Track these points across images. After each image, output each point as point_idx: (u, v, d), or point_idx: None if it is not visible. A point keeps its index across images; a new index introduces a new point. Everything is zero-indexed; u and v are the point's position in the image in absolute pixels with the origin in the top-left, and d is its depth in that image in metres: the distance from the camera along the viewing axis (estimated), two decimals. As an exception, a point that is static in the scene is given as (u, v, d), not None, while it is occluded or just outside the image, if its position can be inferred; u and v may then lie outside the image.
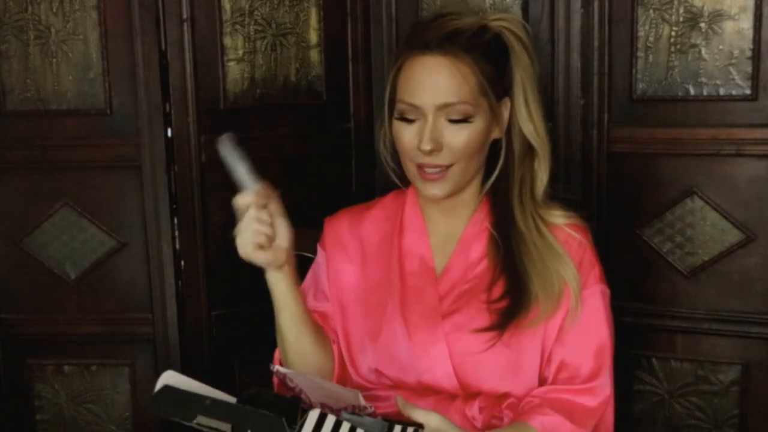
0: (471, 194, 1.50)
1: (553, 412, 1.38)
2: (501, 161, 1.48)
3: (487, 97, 1.41)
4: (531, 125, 1.45)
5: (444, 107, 1.39)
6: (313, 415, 1.24)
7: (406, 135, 1.43)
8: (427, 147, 1.39)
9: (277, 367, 1.33)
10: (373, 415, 1.31)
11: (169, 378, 1.27)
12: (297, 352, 1.47)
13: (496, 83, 1.42)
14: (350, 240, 1.57)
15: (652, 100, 1.80)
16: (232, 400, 1.27)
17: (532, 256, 1.43)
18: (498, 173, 1.48)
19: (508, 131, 1.47)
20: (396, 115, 1.44)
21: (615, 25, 1.80)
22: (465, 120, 1.40)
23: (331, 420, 1.24)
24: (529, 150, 1.47)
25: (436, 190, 1.44)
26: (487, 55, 1.41)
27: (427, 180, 1.44)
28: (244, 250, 1.38)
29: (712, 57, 1.74)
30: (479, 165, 1.47)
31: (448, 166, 1.42)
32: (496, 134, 1.47)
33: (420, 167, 1.43)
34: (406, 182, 1.53)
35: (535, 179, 1.47)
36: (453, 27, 1.41)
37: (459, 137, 1.40)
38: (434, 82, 1.39)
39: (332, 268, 1.56)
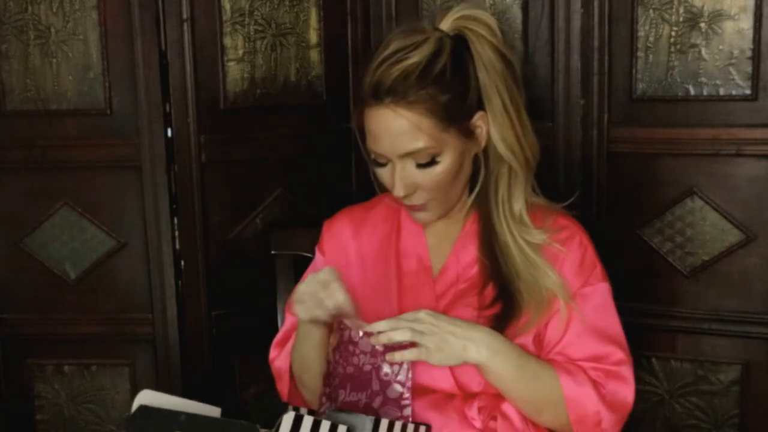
0: (463, 203, 1.49)
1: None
2: (482, 175, 1.44)
3: (450, 130, 1.36)
4: (499, 137, 1.38)
5: (408, 155, 1.37)
6: (287, 418, 1.24)
7: (383, 176, 1.43)
8: (400, 193, 1.39)
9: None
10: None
11: (145, 397, 1.27)
12: (316, 375, 1.47)
13: (458, 110, 1.36)
14: (350, 242, 1.56)
15: (652, 100, 1.80)
16: (215, 411, 1.27)
17: (518, 267, 1.42)
18: (480, 187, 1.45)
19: (486, 144, 1.42)
20: (371, 157, 1.43)
21: (615, 25, 1.80)
22: (431, 162, 1.37)
23: (308, 420, 1.24)
24: (506, 162, 1.42)
25: (423, 217, 1.46)
26: (442, 87, 1.34)
27: (412, 210, 1.46)
28: (307, 314, 1.38)
29: (712, 57, 1.74)
30: (462, 186, 1.45)
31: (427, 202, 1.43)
32: (474, 150, 1.42)
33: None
34: None
35: (513, 193, 1.43)
36: (399, 71, 1.33)
37: (429, 178, 1.38)
38: (391, 135, 1.36)
39: None
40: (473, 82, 1.37)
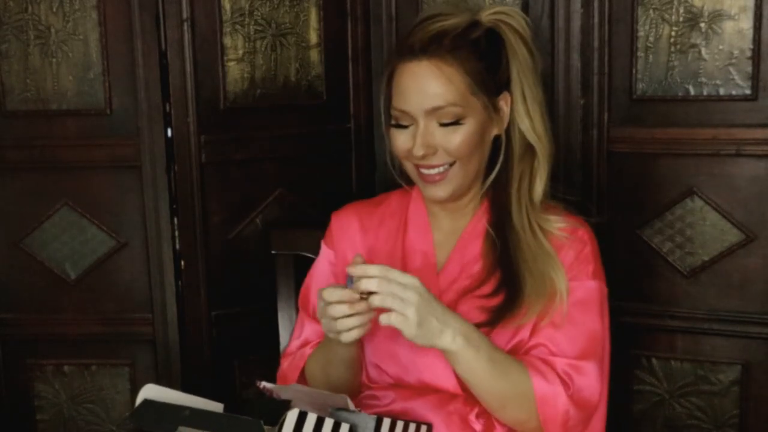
0: (474, 193, 1.50)
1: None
2: (501, 158, 1.47)
3: (479, 96, 1.40)
4: (528, 121, 1.44)
5: (433, 111, 1.39)
6: (291, 416, 1.24)
7: (399, 140, 1.43)
8: (419, 152, 1.40)
9: (264, 384, 1.33)
10: None
11: (149, 391, 1.27)
12: (338, 384, 1.47)
13: (488, 80, 1.41)
14: (357, 235, 1.57)
15: (652, 100, 1.80)
16: (218, 407, 1.27)
17: (526, 256, 1.43)
18: (498, 171, 1.47)
19: (509, 128, 1.46)
20: (391, 121, 1.44)
21: (615, 25, 1.80)
22: (456, 122, 1.40)
23: (312, 418, 1.24)
24: (529, 148, 1.46)
25: (438, 191, 1.44)
26: (476, 53, 1.40)
27: (428, 182, 1.44)
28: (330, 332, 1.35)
29: (712, 57, 1.74)
30: (480, 163, 1.47)
31: (451, 164, 1.42)
32: (496, 131, 1.46)
33: (418, 169, 1.44)
34: (411, 182, 1.53)
35: (534, 180, 1.46)
36: (437, 29, 1.40)
37: (452, 140, 1.40)
38: (420, 88, 1.39)
39: (342, 265, 1.55)
40: (504, 64, 1.43)
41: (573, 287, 1.43)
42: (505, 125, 1.46)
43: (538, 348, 1.42)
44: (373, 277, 1.27)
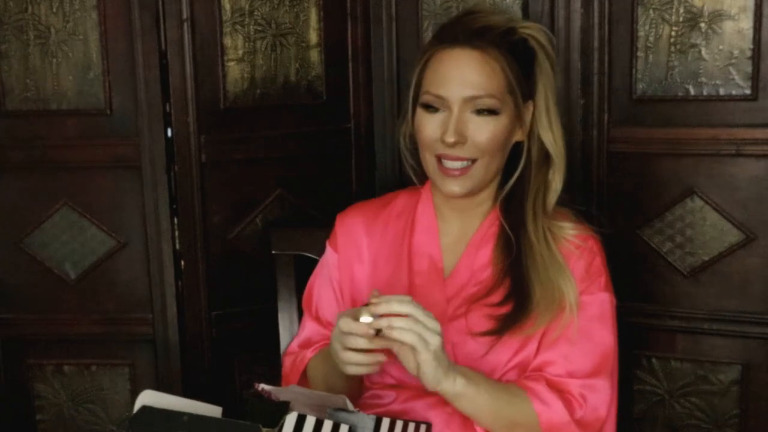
0: (486, 197, 1.50)
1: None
2: (521, 165, 1.47)
3: (514, 95, 1.42)
4: (550, 134, 1.46)
5: (471, 100, 1.40)
6: (290, 419, 1.24)
7: (429, 126, 1.43)
8: (451, 139, 1.39)
9: (262, 386, 1.33)
10: None
11: (147, 397, 1.27)
12: (339, 391, 1.46)
13: (522, 83, 1.43)
14: (363, 238, 1.56)
15: (652, 100, 1.80)
16: (217, 411, 1.27)
17: (537, 265, 1.42)
18: (516, 178, 1.47)
19: (529, 136, 1.47)
20: (420, 106, 1.44)
21: (615, 25, 1.80)
22: (491, 113, 1.40)
23: (311, 420, 1.24)
24: (545, 159, 1.47)
25: (455, 186, 1.44)
26: (515, 54, 1.42)
27: (447, 176, 1.43)
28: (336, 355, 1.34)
29: (712, 57, 1.74)
30: (500, 165, 1.47)
31: (473, 161, 1.42)
32: (518, 136, 1.47)
33: (440, 162, 1.43)
34: (423, 180, 1.53)
35: (549, 189, 1.47)
36: (483, 23, 1.42)
37: (484, 131, 1.40)
38: (462, 75, 1.40)
39: (346, 268, 1.55)
40: (532, 75, 1.45)
41: (587, 301, 1.43)
42: (526, 133, 1.47)
43: (552, 365, 1.41)
44: (405, 315, 1.26)
